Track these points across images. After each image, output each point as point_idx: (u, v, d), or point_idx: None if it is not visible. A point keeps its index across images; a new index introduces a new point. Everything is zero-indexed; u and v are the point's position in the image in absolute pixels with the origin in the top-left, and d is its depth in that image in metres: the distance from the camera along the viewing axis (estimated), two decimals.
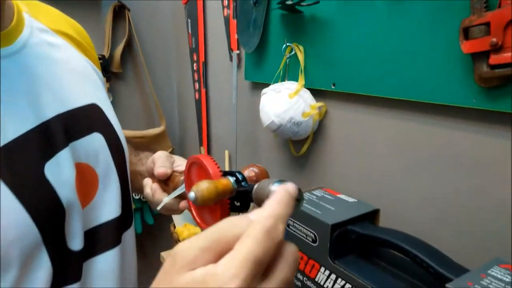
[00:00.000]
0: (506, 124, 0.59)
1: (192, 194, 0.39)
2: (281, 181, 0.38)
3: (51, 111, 0.48)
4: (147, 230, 1.62)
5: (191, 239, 0.29)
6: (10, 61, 0.45)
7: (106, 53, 1.44)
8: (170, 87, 1.68)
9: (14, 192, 0.40)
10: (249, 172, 0.47)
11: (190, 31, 1.44)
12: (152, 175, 0.63)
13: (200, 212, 0.50)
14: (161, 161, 0.60)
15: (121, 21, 1.50)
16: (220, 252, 0.28)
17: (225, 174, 0.45)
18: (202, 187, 0.40)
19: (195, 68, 1.46)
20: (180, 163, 0.62)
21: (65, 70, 0.53)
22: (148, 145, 1.51)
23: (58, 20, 0.59)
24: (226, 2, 1.22)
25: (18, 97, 0.44)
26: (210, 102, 1.43)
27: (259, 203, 0.39)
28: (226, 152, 1.34)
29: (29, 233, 0.41)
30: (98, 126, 0.55)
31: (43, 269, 0.43)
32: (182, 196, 0.56)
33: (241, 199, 0.44)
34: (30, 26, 0.50)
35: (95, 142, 0.53)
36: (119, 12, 1.48)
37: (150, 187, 0.62)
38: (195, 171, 0.49)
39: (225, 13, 1.24)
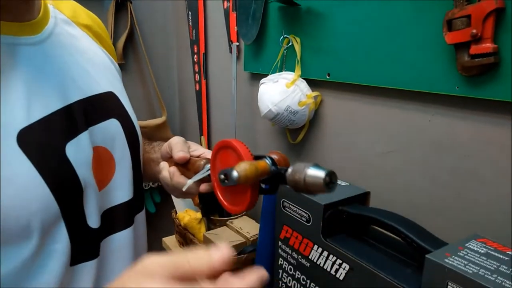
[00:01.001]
0: (486, 110, 0.63)
1: (235, 173, 0.41)
2: (316, 165, 0.39)
3: (73, 96, 0.52)
4: (149, 218, 1.66)
5: (161, 256, 0.31)
6: (37, 48, 0.49)
7: None
8: (171, 78, 1.72)
9: (37, 168, 0.43)
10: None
11: (190, 23, 1.47)
12: (168, 159, 0.64)
13: (226, 194, 0.51)
14: (179, 146, 0.61)
15: (123, 13, 1.53)
16: (177, 276, 0.30)
17: (256, 158, 0.46)
18: (245, 167, 0.41)
19: (195, 59, 1.49)
20: (195, 148, 0.64)
21: (85, 59, 0.57)
22: (150, 134, 1.55)
23: (78, 12, 0.63)
24: None
25: (44, 81, 0.48)
26: (210, 93, 1.47)
27: (295, 186, 0.41)
28: None
29: (50, 206, 0.45)
30: (115, 113, 0.59)
31: (61, 242, 0.47)
32: (202, 180, 0.57)
33: (271, 182, 0.46)
34: (54, 17, 0.55)
35: (112, 127, 0.57)
36: (121, 4, 1.52)
37: (167, 170, 0.62)
38: (224, 155, 0.49)
39: (225, 6, 1.27)
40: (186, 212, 1.25)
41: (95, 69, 0.58)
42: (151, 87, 1.64)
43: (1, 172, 0.41)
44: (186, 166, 0.60)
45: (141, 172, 0.66)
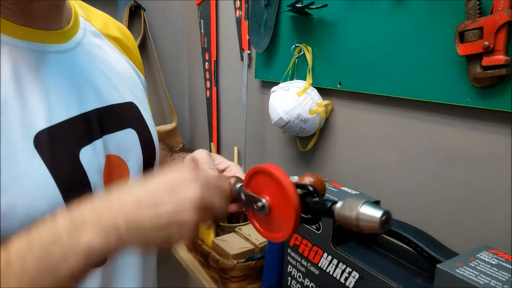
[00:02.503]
0: (497, 121, 0.63)
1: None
2: (369, 202, 0.38)
3: (92, 103, 0.53)
4: None
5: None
6: (63, 56, 0.51)
7: None
8: (182, 85, 1.74)
9: (50, 170, 0.45)
10: (307, 180, 0.46)
11: (202, 31, 1.49)
12: None
13: (261, 221, 0.49)
14: (207, 161, 0.59)
15: (137, 20, 1.56)
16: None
17: (297, 186, 0.44)
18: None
19: (206, 67, 1.51)
20: (220, 161, 0.62)
21: (109, 69, 0.59)
22: (160, 140, 1.56)
23: (108, 25, 0.65)
24: (238, 4, 1.27)
25: (66, 88, 0.50)
26: (221, 100, 1.49)
27: (344, 223, 0.39)
28: (235, 149, 1.39)
29: (58, 208, 0.45)
30: (132, 123, 0.59)
31: None
32: (232, 199, 0.54)
33: (314, 213, 0.44)
34: (84, 28, 0.57)
35: (128, 137, 0.58)
36: (135, 12, 1.54)
37: None
38: (259, 180, 0.48)
39: (237, 14, 1.29)
40: None
41: (118, 79, 0.60)
42: (162, 93, 1.66)
43: (15, 170, 0.42)
44: None
45: None
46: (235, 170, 0.61)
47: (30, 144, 0.44)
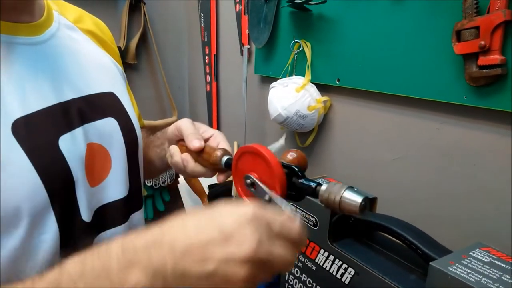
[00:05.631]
0: (493, 119, 0.64)
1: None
2: (352, 187, 0.41)
3: (69, 93, 0.54)
4: (157, 216, 1.69)
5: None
6: (36, 48, 0.52)
7: (122, 45, 1.50)
8: (182, 79, 1.74)
9: (29, 156, 0.46)
10: (291, 156, 0.51)
11: (202, 25, 1.49)
12: (176, 143, 0.62)
13: (250, 197, 0.52)
14: (191, 131, 0.59)
15: (137, 14, 1.56)
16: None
17: (283, 166, 0.47)
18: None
19: (206, 61, 1.51)
20: (204, 129, 0.62)
21: (85, 61, 0.60)
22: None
23: (83, 18, 0.66)
24: None
25: (41, 78, 0.51)
26: (221, 94, 1.49)
27: (326, 204, 0.43)
28: (235, 143, 1.40)
29: (39, 193, 0.46)
30: (113, 112, 0.60)
31: (50, 232, 0.48)
32: (219, 170, 0.58)
33: (299, 191, 0.47)
34: (58, 22, 0.58)
35: (108, 125, 0.59)
36: (135, 5, 1.54)
37: (180, 157, 0.60)
38: (248, 159, 0.51)
39: (237, 9, 1.29)
40: None
41: (95, 70, 0.61)
42: (163, 87, 1.66)
43: None
44: (200, 154, 0.59)
45: (140, 171, 0.67)
46: (219, 138, 0.61)
47: (8, 131, 0.45)
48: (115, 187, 0.59)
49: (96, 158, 0.56)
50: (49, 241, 0.49)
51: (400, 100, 0.78)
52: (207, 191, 1.27)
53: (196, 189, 1.31)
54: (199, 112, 1.67)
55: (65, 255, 0.48)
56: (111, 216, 0.59)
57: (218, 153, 0.56)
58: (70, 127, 0.52)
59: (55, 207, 0.48)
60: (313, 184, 0.46)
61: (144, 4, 1.54)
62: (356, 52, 0.84)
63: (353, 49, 0.85)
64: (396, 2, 0.74)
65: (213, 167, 0.58)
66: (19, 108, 0.47)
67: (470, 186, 0.69)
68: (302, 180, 0.47)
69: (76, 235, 0.52)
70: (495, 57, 0.57)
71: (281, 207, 0.46)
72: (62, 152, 0.50)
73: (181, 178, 1.51)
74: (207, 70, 1.52)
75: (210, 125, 1.55)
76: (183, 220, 0.39)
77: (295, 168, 0.48)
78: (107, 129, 0.58)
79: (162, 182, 1.64)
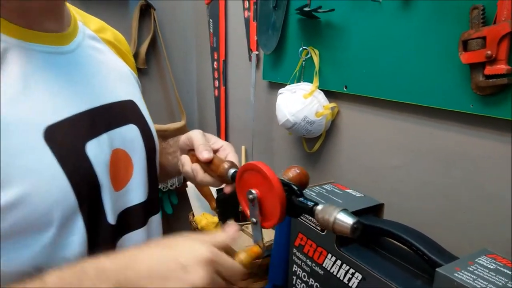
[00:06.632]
0: (499, 128, 0.65)
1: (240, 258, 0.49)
2: (345, 210, 0.44)
3: (96, 101, 0.57)
4: (166, 219, 1.71)
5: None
6: (66, 57, 0.55)
7: (132, 50, 1.53)
8: (191, 84, 1.76)
9: (59, 162, 0.48)
10: (292, 173, 0.54)
11: (211, 31, 1.51)
12: (187, 152, 0.66)
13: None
14: (201, 142, 0.62)
15: (147, 20, 1.58)
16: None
17: (283, 184, 0.50)
18: (240, 258, 0.49)
19: (215, 66, 1.53)
20: (214, 141, 0.65)
21: (108, 70, 0.63)
22: (169, 138, 1.59)
23: (104, 30, 0.69)
24: (247, 4, 1.29)
25: (71, 86, 0.53)
26: (229, 99, 1.50)
27: (321, 223, 0.46)
28: (243, 148, 1.41)
29: (68, 197, 0.48)
30: (134, 119, 0.63)
31: (78, 234, 0.50)
32: (224, 180, 0.61)
33: (297, 210, 0.50)
34: (83, 32, 0.61)
35: (130, 131, 0.62)
36: (145, 11, 1.56)
37: (190, 167, 0.64)
38: (250, 175, 0.54)
39: (246, 15, 1.30)
40: (203, 216, 1.28)
41: (117, 79, 0.64)
42: (172, 91, 1.68)
43: (26, 162, 0.45)
44: (209, 165, 0.62)
45: (157, 176, 0.69)
46: (228, 149, 0.65)
47: (40, 137, 0.47)
48: (136, 191, 0.62)
49: (120, 163, 0.58)
50: (77, 243, 0.51)
51: (407, 108, 0.79)
52: (215, 195, 1.29)
53: (205, 193, 1.33)
54: (208, 117, 1.69)
55: (92, 256, 0.50)
56: (133, 220, 0.61)
57: (225, 165, 0.59)
58: (96, 134, 0.54)
59: (83, 211, 0.50)
60: (310, 204, 0.48)
61: (154, 10, 1.57)
62: (363, 59, 0.86)
63: (361, 57, 0.86)
64: (404, 11, 0.75)
65: (220, 179, 0.61)
66: (51, 115, 0.49)
67: (477, 194, 0.70)
68: (300, 199, 0.50)
69: (102, 237, 0.54)
70: (502, 67, 0.58)
71: (252, 236, 0.53)
72: (89, 158, 0.52)
73: (189, 182, 1.53)
74: (216, 75, 1.54)
75: (218, 129, 1.56)
76: (148, 247, 0.47)
77: (295, 187, 0.50)
78: (129, 135, 0.61)
79: (171, 185, 1.66)
